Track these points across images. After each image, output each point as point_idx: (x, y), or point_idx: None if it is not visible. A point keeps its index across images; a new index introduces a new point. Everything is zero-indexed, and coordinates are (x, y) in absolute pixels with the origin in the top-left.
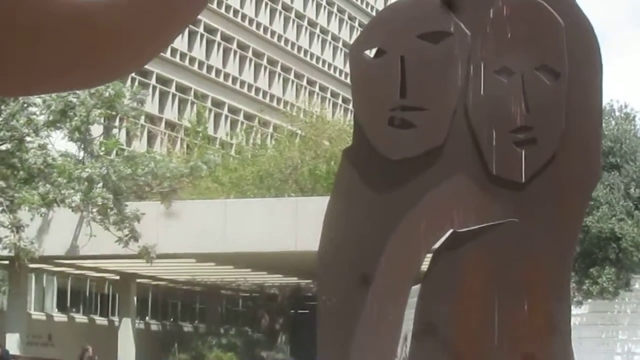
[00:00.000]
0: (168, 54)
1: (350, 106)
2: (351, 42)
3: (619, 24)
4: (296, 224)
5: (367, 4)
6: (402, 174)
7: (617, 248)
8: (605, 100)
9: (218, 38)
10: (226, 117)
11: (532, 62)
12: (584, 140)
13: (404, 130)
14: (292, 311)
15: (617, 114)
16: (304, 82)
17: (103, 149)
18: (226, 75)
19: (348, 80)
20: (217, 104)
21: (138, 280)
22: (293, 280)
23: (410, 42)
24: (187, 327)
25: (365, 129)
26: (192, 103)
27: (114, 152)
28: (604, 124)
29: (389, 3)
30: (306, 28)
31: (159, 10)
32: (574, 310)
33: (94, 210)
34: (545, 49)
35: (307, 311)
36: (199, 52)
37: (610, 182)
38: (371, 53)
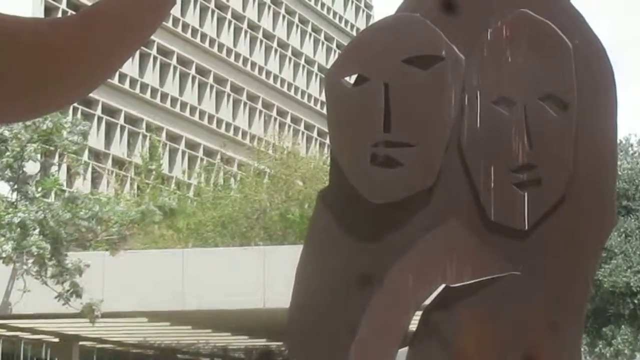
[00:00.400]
0: (116, 80)
1: (327, 140)
2: (328, 67)
3: (635, 44)
4: (264, 277)
5: (347, 22)
6: (386, 219)
7: (633, 304)
8: (620, 134)
9: (174, 61)
10: (183, 153)
11: (536, 91)
12: (596, 181)
13: (389, 170)
14: None
15: (635, 149)
16: (274, 113)
17: (39, 189)
18: (183, 105)
19: (324, 111)
20: (173, 137)
21: (81, 343)
22: (261, 342)
23: (395, 68)
24: None
25: (343, 168)
26: (144, 137)
27: (53, 193)
28: (618, 162)
29: (371, 22)
30: (276, 50)
31: (110, 29)
32: None
33: (29, 261)
34: (551, 75)
35: None
36: (151, 77)
37: (626, 229)
38: (351, 80)
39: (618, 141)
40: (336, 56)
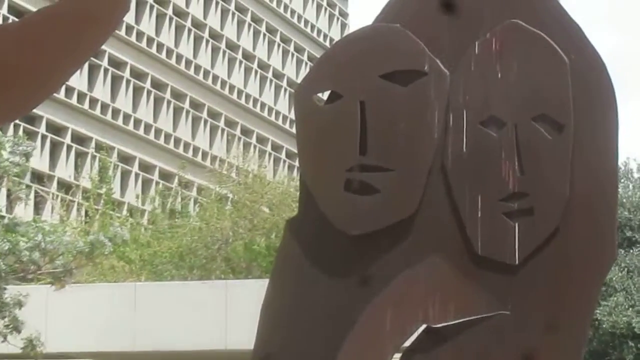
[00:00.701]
0: (62, 94)
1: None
2: (298, 81)
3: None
4: (226, 315)
5: (319, 31)
6: (362, 252)
7: (635, 347)
8: (622, 158)
9: (126, 74)
10: (137, 175)
11: (528, 111)
12: (595, 211)
13: (365, 197)
14: None
15: (637, 175)
16: (237, 132)
17: None
18: (137, 122)
19: (293, 130)
20: (125, 158)
21: None
22: None
23: (372, 84)
24: None
25: (314, 194)
26: (93, 157)
27: None
28: (620, 189)
29: (346, 32)
30: (240, 62)
31: (56, 35)
32: None
33: None
34: (545, 93)
35: None
36: (101, 92)
37: (628, 264)
38: (323, 96)
39: (619, 166)
40: (307, 70)
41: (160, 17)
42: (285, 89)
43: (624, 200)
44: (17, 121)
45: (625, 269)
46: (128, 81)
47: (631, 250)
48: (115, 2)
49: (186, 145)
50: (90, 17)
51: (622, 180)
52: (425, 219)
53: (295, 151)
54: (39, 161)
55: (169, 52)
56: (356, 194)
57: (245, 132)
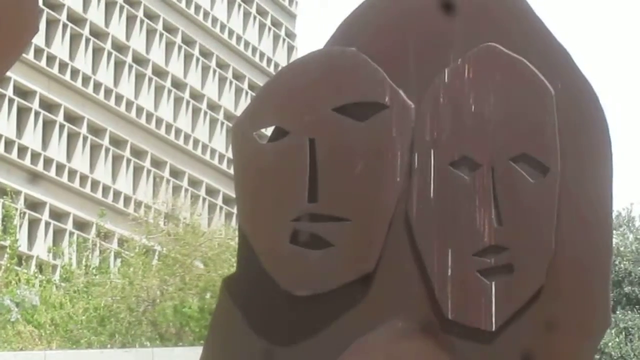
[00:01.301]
0: None
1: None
2: (236, 114)
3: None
4: None
5: (262, 55)
6: (311, 316)
7: None
8: (619, 205)
9: (35, 105)
10: (47, 224)
11: (507, 151)
12: (586, 268)
13: (315, 252)
14: None
15: (639, 223)
16: (165, 173)
17: None
18: (47, 162)
19: (232, 171)
20: (34, 204)
21: None
22: None
23: (324, 118)
24: None
25: (255, 248)
26: None
27: None
28: (618, 238)
29: (294, 56)
30: (169, 91)
31: None
32: None
33: None
34: (527, 129)
35: None
36: (5, 125)
37: (628, 325)
38: (266, 132)
39: (618, 212)
40: (248, 101)
41: (74, 39)
42: (222, 123)
43: (622, 249)
44: None
45: (623, 332)
46: (37, 113)
47: (632, 310)
48: (24, 24)
49: (105, 189)
50: None
51: (621, 228)
52: (386, 277)
53: (234, 196)
54: None
55: (85, 80)
56: (305, 248)
57: (175, 173)
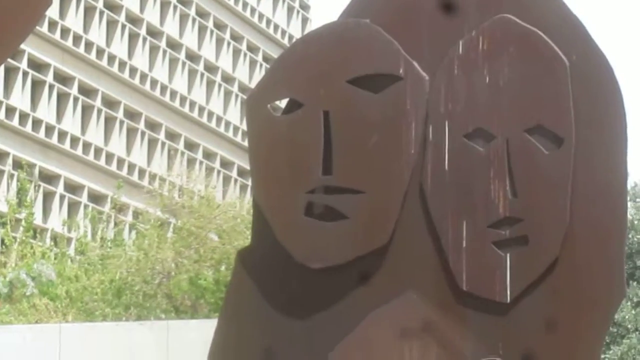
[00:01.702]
0: None
1: (250, 182)
2: (251, 86)
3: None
4: None
5: (276, 27)
6: (326, 289)
7: None
8: (635, 176)
9: (49, 78)
10: (62, 197)
11: (521, 121)
12: (601, 239)
13: (329, 224)
14: None
15: None
16: (180, 145)
17: None
18: (62, 135)
19: (246, 143)
20: (49, 177)
21: None
22: None
23: (338, 90)
24: None
25: (270, 220)
26: (10, 176)
27: None
28: (630, 212)
29: (308, 28)
30: (184, 63)
31: None
32: None
33: None
34: (542, 101)
35: None
36: (19, 100)
37: None
38: (280, 105)
39: (635, 183)
40: (262, 73)
41: (89, 11)
42: (237, 95)
43: (636, 223)
44: None
45: (638, 305)
46: (51, 86)
47: None
48: None
49: (120, 162)
50: (10, 9)
51: (637, 200)
52: (400, 249)
53: (248, 169)
54: None
55: (100, 52)
56: (319, 220)
57: (190, 145)
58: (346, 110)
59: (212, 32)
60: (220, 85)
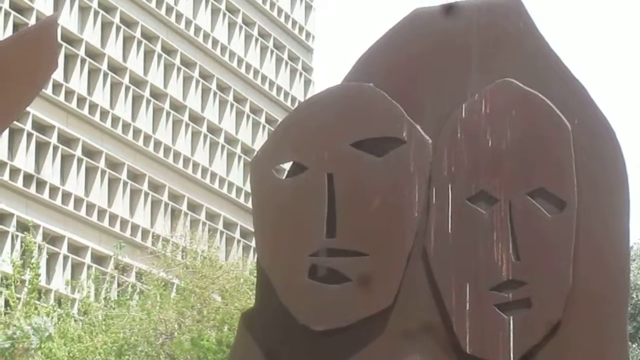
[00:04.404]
0: None
1: (253, 243)
2: (254, 148)
3: None
4: None
5: (279, 89)
6: (329, 351)
7: None
8: (635, 237)
9: (54, 139)
10: (65, 258)
11: (524, 185)
12: (603, 302)
13: (333, 286)
14: None
15: None
16: (183, 206)
17: None
18: (65, 196)
19: (249, 205)
20: (53, 238)
21: None
22: None
23: (342, 153)
24: None
25: (274, 282)
26: (14, 237)
27: None
28: (633, 272)
29: (311, 90)
30: (187, 125)
31: None
32: None
33: None
34: (544, 164)
35: None
36: (24, 160)
37: None
38: (284, 167)
39: (632, 244)
40: (265, 135)
41: (92, 73)
42: (239, 157)
43: (638, 282)
44: None
45: None
46: (55, 147)
47: None
48: (44, 61)
49: (123, 223)
50: (18, 72)
51: (635, 261)
52: (403, 312)
53: (251, 229)
54: None
55: (103, 114)
56: (322, 283)
57: (193, 206)
58: (350, 173)
59: (215, 93)
60: (223, 147)
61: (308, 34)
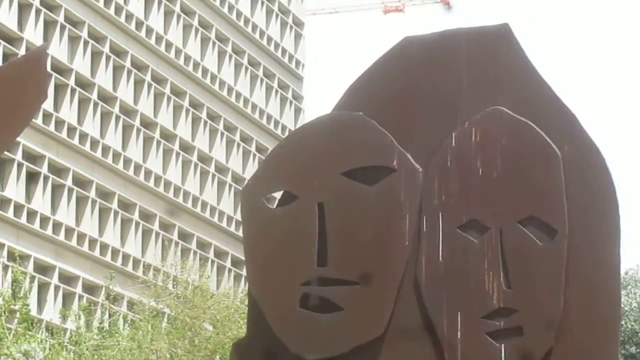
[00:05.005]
0: None
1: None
2: (245, 177)
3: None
4: None
5: (270, 118)
6: None
7: None
8: (625, 264)
9: (44, 169)
10: (56, 288)
11: (514, 213)
12: (594, 327)
13: (324, 315)
14: None
15: None
16: (174, 236)
17: None
18: (56, 226)
19: (240, 233)
20: (44, 268)
21: None
22: None
23: (332, 182)
24: None
25: (265, 311)
26: (5, 267)
27: None
28: (625, 296)
29: (301, 118)
30: (178, 154)
31: None
32: None
33: None
34: (535, 192)
35: None
36: (14, 191)
37: None
38: (275, 196)
39: (625, 271)
40: (255, 163)
41: (82, 103)
42: (230, 185)
43: (627, 309)
44: None
45: None
46: (46, 177)
47: None
48: (35, 92)
49: (114, 252)
50: (8, 102)
51: (628, 288)
52: (396, 340)
53: (243, 258)
54: None
55: (94, 144)
56: (314, 312)
57: (184, 236)
58: (341, 202)
59: (205, 122)
60: (214, 176)
61: (298, 62)
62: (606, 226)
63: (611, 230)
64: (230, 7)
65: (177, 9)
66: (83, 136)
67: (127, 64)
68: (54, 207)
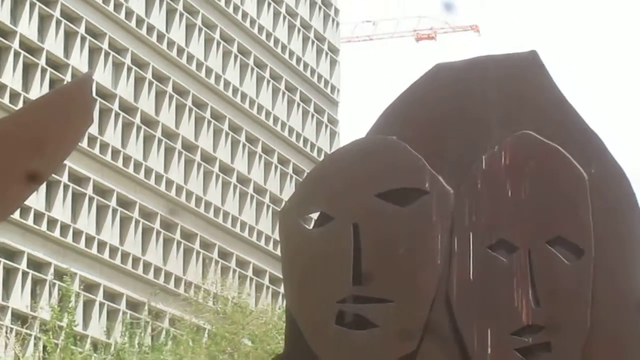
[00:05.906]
0: (16, 215)
1: (282, 289)
2: (282, 197)
3: None
4: None
5: (306, 141)
6: None
7: None
8: None
9: (89, 190)
10: (101, 305)
11: (543, 234)
12: (620, 345)
13: (360, 332)
14: None
15: None
16: (214, 254)
17: None
18: (101, 245)
19: (278, 252)
20: (89, 286)
21: None
22: None
23: (367, 204)
24: None
25: (302, 328)
26: (52, 285)
27: None
28: None
29: (337, 142)
30: (218, 176)
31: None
32: None
33: None
34: (562, 213)
35: None
36: (60, 211)
37: None
38: (312, 216)
39: None
40: (292, 184)
41: (126, 126)
42: (268, 206)
43: None
44: None
45: None
46: (91, 198)
47: None
48: (81, 117)
49: (157, 271)
50: (55, 127)
51: None
52: (427, 356)
53: (280, 276)
54: None
55: (137, 166)
56: (350, 329)
57: (224, 254)
58: (375, 223)
59: (244, 145)
60: (252, 197)
61: (333, 88)
62: (632, 245)
63: (636, 250)
64: (268, 35)
65: (217, 36)
66: (127, 158)
67: (169, 89)
68: (98, 227)
